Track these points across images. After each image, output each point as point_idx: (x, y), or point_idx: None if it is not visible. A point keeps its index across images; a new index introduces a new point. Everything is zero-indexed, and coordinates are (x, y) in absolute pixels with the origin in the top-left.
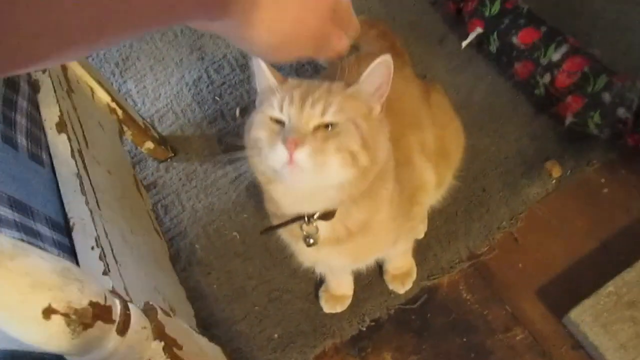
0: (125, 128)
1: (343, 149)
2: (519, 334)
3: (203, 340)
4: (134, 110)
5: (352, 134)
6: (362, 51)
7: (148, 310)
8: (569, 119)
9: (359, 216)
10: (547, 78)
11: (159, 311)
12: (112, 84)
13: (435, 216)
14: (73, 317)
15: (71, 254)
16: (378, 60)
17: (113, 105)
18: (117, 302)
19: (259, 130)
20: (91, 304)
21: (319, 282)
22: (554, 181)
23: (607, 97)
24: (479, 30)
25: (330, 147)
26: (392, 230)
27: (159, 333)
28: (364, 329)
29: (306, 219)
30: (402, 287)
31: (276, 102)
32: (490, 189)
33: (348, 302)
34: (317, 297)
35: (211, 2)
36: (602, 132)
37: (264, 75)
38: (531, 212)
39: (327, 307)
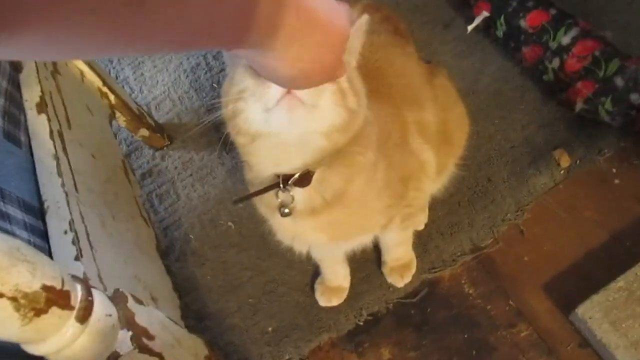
0: (118, 114)
1: (337, 95)
2: (524, 330)
3: (181, 332)
4: (128, 96)
5: (342, 86)
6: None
7: (117, 298)
8: (579, 106)
9: (334, 183)
10: (556, 63)
11: (130, 299)
12: (109, 70)
13: (437, 206)
14: (22, 301)
15: (44, 238)
16: (360, 21)
17: (104, 89)
18: (78, 287)
19: (243, 79)
20: (44, 287)
21: (315, 275)
22: (562, 171)
23: (619, 82)
24: (485, 13)
25: (326, 93)
26: (378, 210)
27: (128, 322)
28: (362, 323)
29: (281, 185)
30: (401, 280)
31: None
32: (496, 178)
33: (344, 294)
34: (313, 289)
35: (251, 38)
36: (613, 119)
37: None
38: (538, 203)
39: (323, 300)
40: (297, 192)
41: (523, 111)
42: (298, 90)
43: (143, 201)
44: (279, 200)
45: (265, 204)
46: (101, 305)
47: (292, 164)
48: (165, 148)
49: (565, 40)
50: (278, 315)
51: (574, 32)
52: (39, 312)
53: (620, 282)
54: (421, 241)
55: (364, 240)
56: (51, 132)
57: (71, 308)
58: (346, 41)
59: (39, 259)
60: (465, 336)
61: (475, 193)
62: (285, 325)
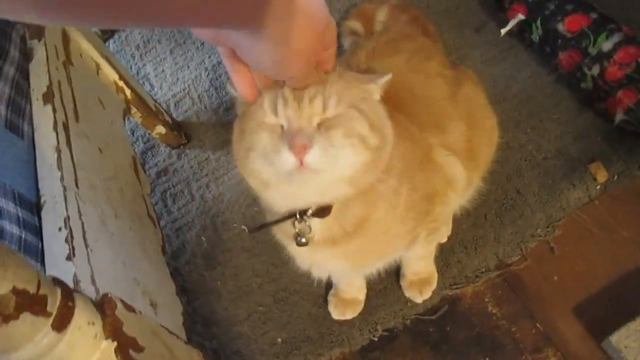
0: (133, 109)
1: (352, 134)
2: (551, 356)
3: (176, 342)
4: (145, 92)
5: (357, 119)
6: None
7: (104, 304)
8: (619, 116)
9: (355, 212)
10: (595, 70)
11: (119, 305)
12: (130, 67)
13: (462, 219)
14: None
15: (37, 235)
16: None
17: (120, 83)
18: (58, 291)
19: (255, 136)
20: (15, 291)
21: (329, 285)
22: (598, 186)
23: None
24: (520, 16)
25: (338, 135)
26: (403, 234)
27: (113, 331)
28: (376, 339)
29: (298, 216)
30: (420, 296)
31: (267, 105)
32: (526, 191)
33: (359, 308)
34: (326, 301)
35: (237, 16)
36: None
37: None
38: (571, 219)
39: (336, 313)
40: (315, 222)
41: (557, 121)
42: (310, 160)
43: (155, 201)
44: (296, 229)
45: (282, 232)
46: (83, 312)
47: (310, 204)
48: (181, 147)
49: (607, 46)
50: (288, 325)
51: (616, 37)
52: (7, 319)
53: None
54: (443, 255)
55: (388, 262)
56: (55, 123)
57: (47, 315)
58: (325, 27)
59: (11, 258)
60: (487, 359)
61: (503, 206)
62: (295, 337)
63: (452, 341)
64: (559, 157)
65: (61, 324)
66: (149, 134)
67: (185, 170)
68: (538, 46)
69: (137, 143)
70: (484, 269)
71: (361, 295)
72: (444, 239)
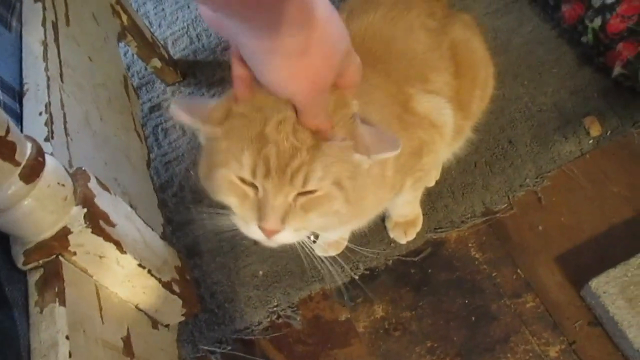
0: (129, 37)
1: (325, 213)
2: (530, 301)
3: (152, 235)
4: (142, 22)
5: (334, 198)
6: None
7: (77, 174)
8: (617, 70)
9: None
10: (597, 22)
11: (93, 180)
12: (131, 4)
13: (452, 164)
14: None
15: (18, 120)
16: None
17: (117, 8)
18: (28, 144)
19: (225, 195)
20: None
21: None
22: (591, 140)
23: None
24: None
25: (312, 216)
26: (387, 193)
27: (84, 199)
28: (357, 277)
29: None
30: (404, 237)
31: (247, 163)
32: (518, 142)
33: (342, 246)
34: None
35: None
36: None
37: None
38: (561, 171)
39: (320, 249)
40: None
41: (555, 75)
42: (279, 238)
43: (147, 135)
44: None
45: None
46: (54, 173)
47: None
48: (177, 84)
49: None
50: (270, 259)
51: None
52: None
53: None
54: (430, 198)
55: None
56: (44, 20)
57: (15, 163)
58: (344, 56)
59: None
60: (466, 301)
61: (493, 155)
62: (277, 271)
63: (433, 283)
64: (554, 110)
65: (29, 177)
66: (145, 69)
67: None
68: (542, 0)
69: (133, 78)
70: (470, 215)
71: (345, 235)
72: (432, 184)
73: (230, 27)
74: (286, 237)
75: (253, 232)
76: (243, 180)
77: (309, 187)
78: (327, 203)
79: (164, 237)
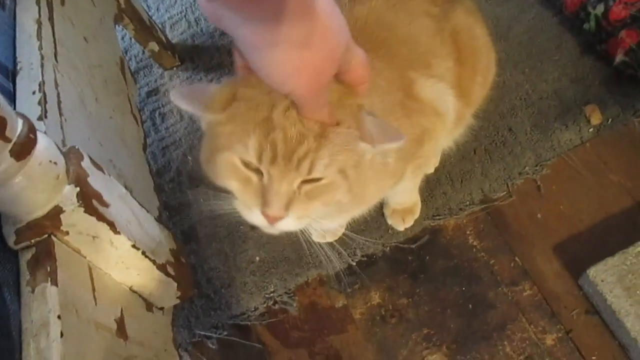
0: (126, 20)
1: (328, 202)
2: (527, 289)
3: (147, 217)
4: (140, 6)
5: (338, 186)
6: None
7: (70, 153)
8: (618, 58)
9: None
10: (600, 9)
11: (86, 159)
12: None
13: (451, 153)
14: None
15: (11, 99)
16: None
17: None
18: (19, 121)
19: (226, 179)
20: None
21: None
22: (591, 129)
23: None
24: None
25: (315, 204)
26: (389, 181)
27: (77, 178)
28: (354, 263)
29: None
30: (402, 224)
31: (253, 147)
32: (518, 129)
33: (340, 232)
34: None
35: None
36: None
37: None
38: (561, 160)
39: (317, 235)
40: None
41: (556, 63)
42: (281, 225)
43: (144, 119)
44: None
45: None
46: (46, 150)
47: None
48: (174, 69)
49: None
50: (267, 245)
51: None
52: None
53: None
54: (428, 185)
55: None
56: None
57: (6, 139)
58: (343, 52)
59: None
60: (463, 289)
61: (493, 142)
62: (274, 257)
63: (430, 270)
64: (554, 98)
65: (21, 153)
66: (142, 53)
67: None
68: None
69: (130, 62)
70: (468, 203)
71: (343, 222)
72: (431, 171)
73: (229, 19)
74: (288, 224)
75: (255, 217)
76: (246, 165)
77: (314, 175)
78: (331, 191)
79: (159, 220)
